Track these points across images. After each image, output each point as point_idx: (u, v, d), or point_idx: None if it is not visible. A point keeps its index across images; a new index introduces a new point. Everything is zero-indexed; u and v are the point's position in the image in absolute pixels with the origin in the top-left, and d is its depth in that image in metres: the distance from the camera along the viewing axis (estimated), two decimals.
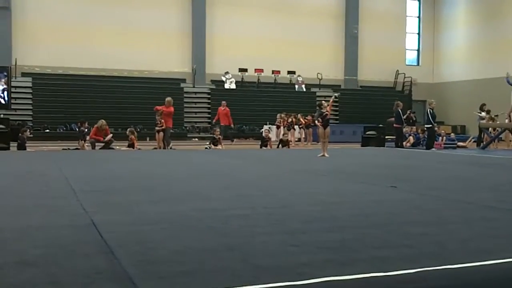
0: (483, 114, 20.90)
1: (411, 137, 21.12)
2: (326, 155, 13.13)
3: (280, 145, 19.17)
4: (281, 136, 20.37)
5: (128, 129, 17.88)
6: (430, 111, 18.52)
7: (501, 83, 21.64)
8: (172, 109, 17.32)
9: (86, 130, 17.16)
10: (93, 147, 16.58)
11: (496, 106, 21.67)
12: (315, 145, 21.04)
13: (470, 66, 30.41)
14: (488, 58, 29.08)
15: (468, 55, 30.74)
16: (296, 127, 23.09)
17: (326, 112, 13.34)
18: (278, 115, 23.12)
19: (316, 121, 14.42)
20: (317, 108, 14.05)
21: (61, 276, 2.99)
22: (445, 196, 6.47)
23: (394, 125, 19.21)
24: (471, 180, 8.81)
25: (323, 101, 14.09)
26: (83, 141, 16.91)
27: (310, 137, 22.43)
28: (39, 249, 3.59)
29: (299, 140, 22.92)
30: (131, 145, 16.96)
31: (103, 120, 16.89)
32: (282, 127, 22.42)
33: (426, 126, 19.01)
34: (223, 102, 21.83)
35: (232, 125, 21.98)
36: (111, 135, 16.92)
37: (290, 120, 22.66)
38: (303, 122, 22.94)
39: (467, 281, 3.11)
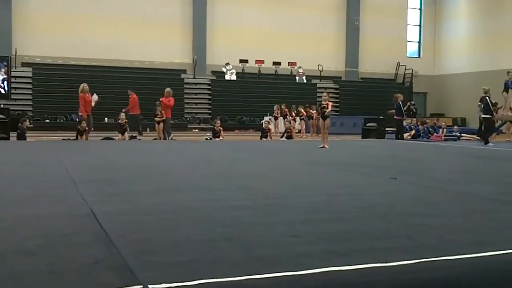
0: None
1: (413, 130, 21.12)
2: (326, 146, 13.05)
3: (284, 136, 19.22)
4: (280, 128, 20.45)
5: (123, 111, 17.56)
6: (489, 99, 17.02)
7: (502, 76, 21.54)
8: (172, 100, 17.26)
9: (85, 129, 16.92)
10: (85, 130, 15.84)
11: (497, 99, 21.59)
12: (315, 137, 21.04)
13: (471, 58, 30.34)
14: (490, 51, 29.00)
15: (470, 47, 30.65)
16: (297, 118, 23.11)
17: (325, 104, 13.12)
18: (275, 106, 23.12)
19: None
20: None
21: (60, 265, 2.99)
22: (445, 187, 6.47)
23: (395, 117, 19.19)
24: (472, 172, 8.81)
25: (325, 93, 13.89)
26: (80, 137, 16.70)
27: (313, 128, 22.40)
28: (38, 238, 3.58)
29: (300, 131, 22.90)
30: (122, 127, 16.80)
31: (84, 84, 16.20)
32: (280, 118, 22.45)
33: (484, 116, 17.60)
34: (129, 91, 20.53)
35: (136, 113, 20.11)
36: (96, 96, 16.22)
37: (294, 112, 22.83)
38: (304, 113, 22.95)
39: (466, 272, 3.11)
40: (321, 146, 13.13)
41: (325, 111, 13.07)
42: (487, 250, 3.41)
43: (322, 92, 14.51)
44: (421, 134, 20.54)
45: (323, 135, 13.41)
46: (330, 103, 13.48)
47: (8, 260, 3.09)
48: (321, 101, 13.38)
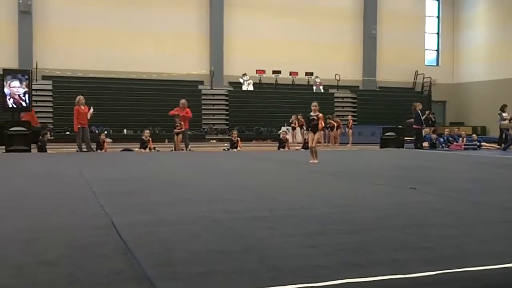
0: (505, 114, 20.64)
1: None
2: (316, 161, 11.66)
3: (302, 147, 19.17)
4: (298, 138, 20.36)
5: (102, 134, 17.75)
6: None
7: None
8: (189, 112, 17.30)
9: (104, 141, 17.10)
10: (88, 145, 15.96)
11: None
12: (333, 147, 20.98)
13: (490, 66, 30.06)
14: (509, 58, 28.71)
15: (488, 55, 30.39)
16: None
17: (314, 117, 11.76)
18: (293, 116, 23.09)
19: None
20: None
21: (81, 276, 3.02)
22: (464, 197, 6.40)
23: (414, 126, 19.07)
24: (491, 181, 8.70)
25: (314, 103, 12.06)
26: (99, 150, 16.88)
27: (336, 138, 22.28)
28: (59, 249, 3.63)
29: (319, 142, 22.81)
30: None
31: (80, 96, 16.41)
32: (297, 129, 22.38)
33: None
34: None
35: (38, 125, 19.48)
36: (92, 109, 16.39)
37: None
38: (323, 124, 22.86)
39: (486, 284, 3.07)
40: (311, 161, 11.71)
41: (315, 124, 11.70)
42: (507, 261, 3.37)
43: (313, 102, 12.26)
44: (436, 144, 20.24)
45: (312, 149, 11.93)
46: (322, 116, 11.90)
47: (29, 271, 3.13)
48: (311, 112, 11.88)
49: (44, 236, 4.07)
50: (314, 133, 11.86)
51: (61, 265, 3.26)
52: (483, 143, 20.96)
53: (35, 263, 3.30)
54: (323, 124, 11.95)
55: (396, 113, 26.09)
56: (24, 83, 20.09)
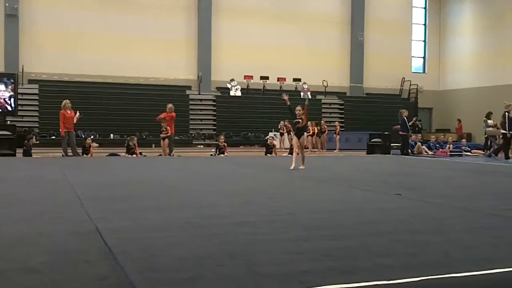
0: (490, 121, 20.84)
1: (423, 146, 21.06)
2: (302, 167, 11.25)
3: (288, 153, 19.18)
4: (286, 143, 20.38)
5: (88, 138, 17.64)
6: (508, 114, 16.30)
7: (507, 91, 21.51)
8: (173, 114, 17.31)
9: (90, 146, 16.97)
10: (74, 150, 15.87)
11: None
12: (322, 153, 21.04)
13: (476, 73, 30.36)
14: (494, 66, 29.03)
15: (474, 62, 30.69)
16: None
17: (299, 119, 11.33)
18: (282, 122, 23.13)
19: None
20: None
21: (65, 283, 3.00)
22: (449, 203, 6.44)
23: (400, 132, 19.19)
24: (476, 187, 8.78)
25: (299, 107, 11.57)
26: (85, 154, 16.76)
27: (323, 144, 22.34)
28: (43, 255, 3.60)
29: (307, 148, 22.86)
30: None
31: (67, 100, 16.29)
32: (285, 134, 22.43)
33: (502, 132, 17.11)
34: None
35: None
36: (78, 113, 16.18)
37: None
38: (311, 130, 22.92)
39: None
40: (292, 167, 11.18)
41: (300, 127, 11.38)
42: (492, 267, 3.40)
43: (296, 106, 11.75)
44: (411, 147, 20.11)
45: (296, 155, 11.48)
46: (305, 116, 11.37)
47: (13, 278, 3.10)
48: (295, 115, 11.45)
49: (28, 242, 4.03)
50: (299, 137, 11.52)
51: (44, 271, 3.23)
52: (467, 149, 21.14)
53: (19, 269, 3.26)
54: (305, 121, 11.46)
55: (383, 120, 26.23)
56: (10, 86, 19.97)
